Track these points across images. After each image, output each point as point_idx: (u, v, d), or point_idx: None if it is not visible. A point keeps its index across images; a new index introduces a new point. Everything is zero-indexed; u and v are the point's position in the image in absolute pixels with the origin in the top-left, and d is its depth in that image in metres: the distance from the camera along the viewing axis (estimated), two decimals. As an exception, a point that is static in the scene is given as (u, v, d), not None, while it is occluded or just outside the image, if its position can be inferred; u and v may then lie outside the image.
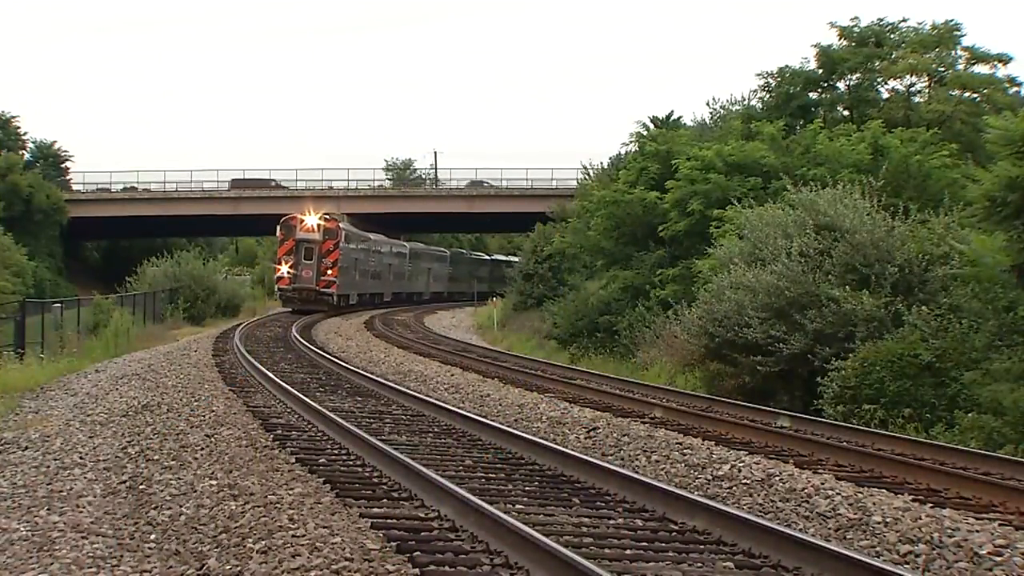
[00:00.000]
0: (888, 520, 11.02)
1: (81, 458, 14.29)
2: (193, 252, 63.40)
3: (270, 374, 23.14)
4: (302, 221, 58.29)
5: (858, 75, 41.36)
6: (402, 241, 76.50)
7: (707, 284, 27.11)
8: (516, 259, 72.99)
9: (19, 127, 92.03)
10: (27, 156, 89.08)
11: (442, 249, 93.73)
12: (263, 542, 9.48)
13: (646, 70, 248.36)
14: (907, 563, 10.07)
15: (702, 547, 10.03)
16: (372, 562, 8.86)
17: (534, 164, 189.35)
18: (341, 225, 60.47)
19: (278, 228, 59.42)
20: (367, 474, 13.03)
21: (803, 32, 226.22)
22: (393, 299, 73.47)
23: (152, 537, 10.39)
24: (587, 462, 13.24)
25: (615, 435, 16.90)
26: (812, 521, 11.55)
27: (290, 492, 11.49)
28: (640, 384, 25.31)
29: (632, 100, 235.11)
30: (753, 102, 44.61)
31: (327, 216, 60.28)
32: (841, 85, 42.06)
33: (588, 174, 58.46)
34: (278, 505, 10.84)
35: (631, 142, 50.48)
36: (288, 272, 57.95)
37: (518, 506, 11.46)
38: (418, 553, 9.23)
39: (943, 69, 40.24)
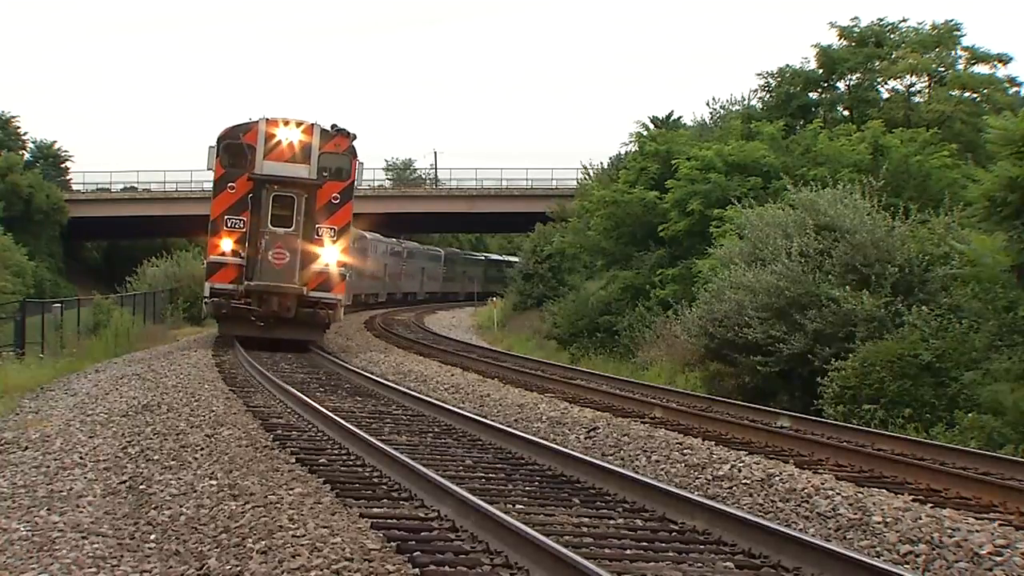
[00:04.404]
0: (888, 520, 11.02)
1: (81, 458, 14.28)
2: (193, 252, 63.02)
3: (270, 374, 23.11)
4: (272, 138, 29.30)
5: (858, 75, 41.41)
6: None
7: (707, 284, 27.13)
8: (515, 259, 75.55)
9: (19, 127, 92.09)
10: (27, 156, 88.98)
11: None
12: (263, 542, 9.47)
13: (646, 70, 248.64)
14: (907, 563, 10.08)
15: (702, 547, 10.03)
16: (372, 562, 8.85)
17: (534, 164, 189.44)
18: (356, 146, 30.09)
19: (214, 155, 29.44)
20: (367, 474, 13.02)
21: (803, 32, 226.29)
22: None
23: (152, 537, 10.39)
24: (587, 462, 13.23)
25: (615, 435, 16.89)
26: (812, 521, 11.56)
27: (290, 492, 11.47)
28: (640, 384, 25.32)
29: (632, 100, 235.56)
30: (753, 102, 44.71)
31: (326, 129, 29.76)
32: (841, 85, 42.10)
33: (588, 174, 58.44)
34: (278, 505, 10.82)
35: (631, 142, 50.57)
36: (233, 253, 29.37)
37: (518, 506, 11.45)
38: (418, 553, 9.22)
39: (943, 69, 40.28)
